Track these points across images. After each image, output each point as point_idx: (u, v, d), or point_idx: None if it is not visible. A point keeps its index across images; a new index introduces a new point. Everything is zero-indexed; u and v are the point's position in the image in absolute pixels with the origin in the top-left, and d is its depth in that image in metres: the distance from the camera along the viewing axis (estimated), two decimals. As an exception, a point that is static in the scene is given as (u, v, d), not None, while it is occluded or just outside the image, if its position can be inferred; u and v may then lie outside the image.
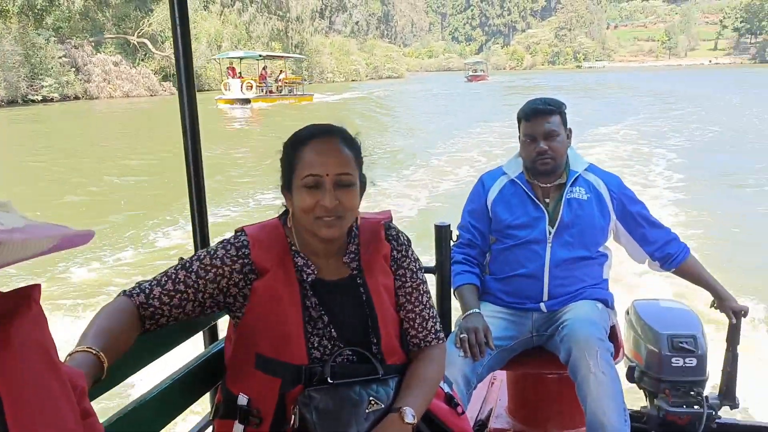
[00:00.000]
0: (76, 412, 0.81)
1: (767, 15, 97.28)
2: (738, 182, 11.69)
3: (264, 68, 35.97)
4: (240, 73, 34.10)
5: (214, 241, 1.62)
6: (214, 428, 1.57)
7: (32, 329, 0.76)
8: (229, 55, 36.94)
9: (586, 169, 2.40)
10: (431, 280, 2.42)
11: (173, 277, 1.44)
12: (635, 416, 2.36)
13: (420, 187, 11.89)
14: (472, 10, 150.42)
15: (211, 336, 1.92)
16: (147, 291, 1.42)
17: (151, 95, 43.50)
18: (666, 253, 2.38)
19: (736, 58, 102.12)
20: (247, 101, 31.49)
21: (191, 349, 1.79)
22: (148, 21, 45.42)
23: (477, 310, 2.23)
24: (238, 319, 1.49)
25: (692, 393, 2.21)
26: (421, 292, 1.61)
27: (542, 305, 2.30)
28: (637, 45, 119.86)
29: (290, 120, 24.31)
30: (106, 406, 1.87)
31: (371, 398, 1.44)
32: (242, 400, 1.46)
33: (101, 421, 0.93)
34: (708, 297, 2.40)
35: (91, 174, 13.79)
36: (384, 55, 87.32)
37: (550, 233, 2.30)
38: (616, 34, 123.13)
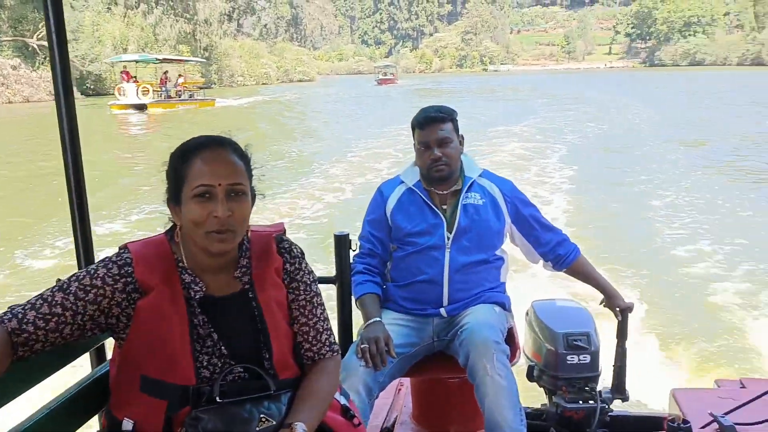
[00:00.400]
0: None
1: (655, 22, 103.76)
2: (620, 178, 12.52)
3: (165, 72, 34.64)
4: (135, 77, 32.57)
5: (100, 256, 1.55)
6: None
7: None
8: (122, 59, 34.99)
9: (480, 175, 2.46)
10: (331, 290, 2.40)
11: (49, 299, 1.35)
12: (535, 414, 2.44)
13: (331, 190, 11.87)
14: (380, 14, 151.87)
15: (98, 358, 1.82)
16: (20, 316, 1.32)
17: (54, 99, 41.05)
18: (557, 254, 2.48)
19: (629, 61, 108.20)
20: (143, 107, 30.08)
21: (80, 371, 1.70)
22: (47, 23, 42.85)
23: (378, 319, 2.23)
24: (122, 341, 1.43)
25: (587, 389, 2.29)
26: (315, 304, 1.60)
27: (442, 310, 2.33)
28: (538, 49, 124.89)
29: (190, 125, 23.69)
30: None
31: (262, 416, 1.42)
32: (127, 425, 1.40)
33: None
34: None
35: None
36: (295, 58, 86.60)
37: (448, 239, 2.34)
38: (519, 39, 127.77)
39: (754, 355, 4.81)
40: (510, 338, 2.37)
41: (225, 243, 1.40)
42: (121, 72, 33.09)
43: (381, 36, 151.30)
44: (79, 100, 32.91)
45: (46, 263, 7.53)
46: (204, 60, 51.47)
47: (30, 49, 42.82)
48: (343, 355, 2.18)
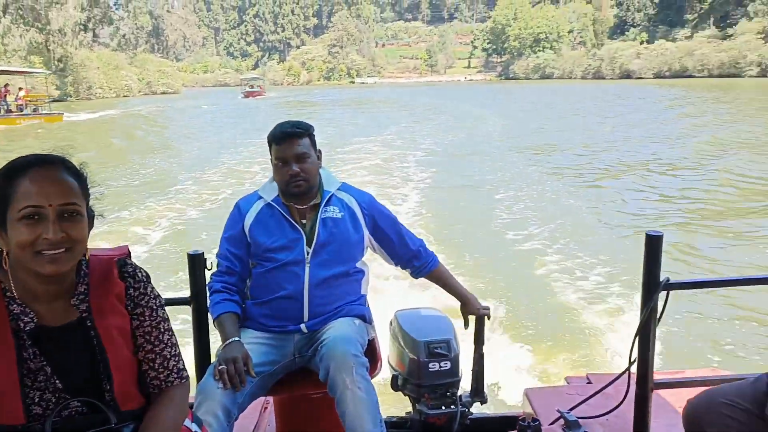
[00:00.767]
0: None
1: (508, 38, 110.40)
2: (471, 177, 14.27)
3: (5, 85, 31.66)
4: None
5: None
6: None
7: None
8: None
9: (339, 188, 2.46)
10: (186, 311, 2.30)
11: None
12: (399, 423, 2.47)
13: (193, 205, 11.52)
14: (246, 26, 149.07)
15: None
16: None
17: None
18: (416, 263, 2.54)
19: (486, 75, 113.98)
20: None
21: None
22: None
23: (236, 339, 2.17)
24: None
25: (448, 394, 2.35)
26: (162, 330, 1.52)
27: (303, 326, 2.30)
28: (403, 62, 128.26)
29: (34, 141, 22.11)
30: None
31: None
32: None
33: None
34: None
35: None
36: (157, 70, 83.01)
37: (308, 253, 2.32)
38: (384, 52, 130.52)
39: (602, 350, 5.20)
40: (371, 350, 2.39)
41: (58, 263, 1.31)
42: (-50, 86, 30.08)
43: (247, 48, 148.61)
44: None
45: None
46: (49, 71, 47.87)
47: None
48: (201, 378, 2.09)
